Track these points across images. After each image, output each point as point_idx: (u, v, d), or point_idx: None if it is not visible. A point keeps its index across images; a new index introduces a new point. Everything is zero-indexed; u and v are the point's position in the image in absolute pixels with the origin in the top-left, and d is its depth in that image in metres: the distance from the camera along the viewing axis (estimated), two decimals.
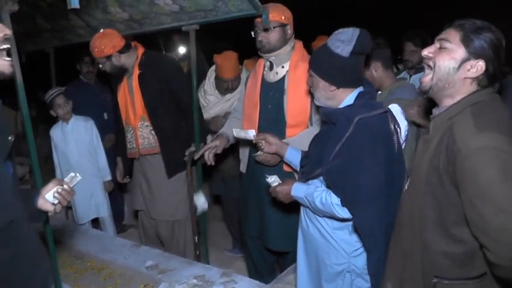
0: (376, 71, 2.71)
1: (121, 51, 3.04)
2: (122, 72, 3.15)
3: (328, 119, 1.99)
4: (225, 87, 3.55)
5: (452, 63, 1.48)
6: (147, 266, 2.77)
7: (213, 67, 3.67)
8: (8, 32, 1.51)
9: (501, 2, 8.09)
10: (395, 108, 2.45)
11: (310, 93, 2.19)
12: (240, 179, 3.09)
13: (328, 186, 1.94)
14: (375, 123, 1.85)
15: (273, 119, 2.65)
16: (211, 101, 3.65)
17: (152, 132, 3.18)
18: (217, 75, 3.58)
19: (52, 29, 3.75)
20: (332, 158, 1.88)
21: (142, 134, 3.19)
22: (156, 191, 3.28)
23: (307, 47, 2.89)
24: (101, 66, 3.12)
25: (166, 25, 3.12)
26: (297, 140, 2.52)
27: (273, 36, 2.58)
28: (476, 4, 8.04)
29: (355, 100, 1.94)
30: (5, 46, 1.50)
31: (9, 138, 1.58)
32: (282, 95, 2.62)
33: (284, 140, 2.48)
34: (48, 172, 3.70)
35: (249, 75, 2.91)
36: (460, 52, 1.47)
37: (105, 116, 4.40)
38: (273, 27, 2.56)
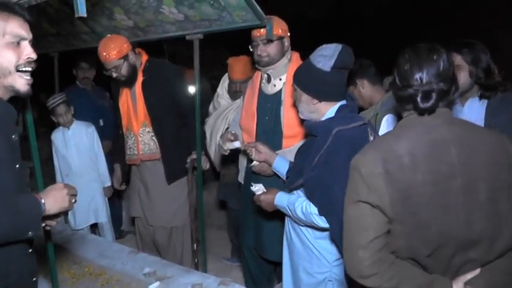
0: (363, 88, 2.80)
1: (125, 57, 3.05)
2: (134, 73, 3.13)
3: (310, 130, 2.05)
4: (233, 89, 3.58)
5: None
6: (145, 272, 2.76)
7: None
8: (34, 56, 1.55)
9: (500, 18, 8.16)
10: (390, 119, 2.49)
11: None
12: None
13: (307, 196, 1.99)
14: (353, 135, 1.90)
15: (270, 130, 2.69)
16: (222, 104, 3.67)
17: (153, 138, 3.20)
18: (228, 77, 3.62)
19: (57, 34, 3.78)
20: (311, 168, 1.94)
21: (143, 140, 3.21)
22: (154, 197, 3.29)
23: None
24: (113, 72, 3.05)
25: (171, 33, 3.14)
26: (293, 151, 2.53)
27: (271, 49, 2.62)
28: (476, 19, 8.10)
29: (336, 113, 2.00)
30: (27, 68, 1.54)
31: (16, 166, 1.58)
32: (279, 106, 2.66)
33: (280, 151, 2.53)
34: (48, 175, 3.70)
35: (246, 88, 2.93)
36: None
37: (101, 122, 4.39)
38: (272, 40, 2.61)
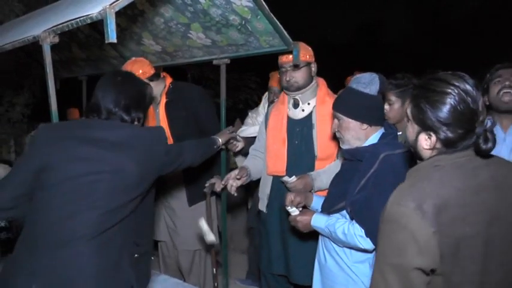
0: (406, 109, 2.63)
1: (150, 79, 2.94)
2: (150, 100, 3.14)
3: (353, 156, 2.08)
4: (270, 98, 3.59)
5: None
6: None
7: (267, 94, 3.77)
8: None
9: None
10: None
11: None
12: None
13: (352, 218, 1.99)
14: (398, 160, 1.95)
15: (301, 153, 2.68)
16: (259, 121, 3.65)
17: None
18: (268, 88, 3.68)
19: (87, 58, 3.87)
20: (357, 191, 1.97)
21: None
22: (179, 220, 3.27)
23: (336, 83, 2.88)
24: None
25: (198, 58, 3.17)
26: (327, 171, 2.56)
27: (300, 75, 2.64)
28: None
29: (379, 139, 2.06)
30: None
31: None
32: (310, 129, 2.66)
33: (315, 172, 2.58)
34: None
35: (268, 113, 2.91)
36: None
37: None
38: (300, 67, 2.62)
